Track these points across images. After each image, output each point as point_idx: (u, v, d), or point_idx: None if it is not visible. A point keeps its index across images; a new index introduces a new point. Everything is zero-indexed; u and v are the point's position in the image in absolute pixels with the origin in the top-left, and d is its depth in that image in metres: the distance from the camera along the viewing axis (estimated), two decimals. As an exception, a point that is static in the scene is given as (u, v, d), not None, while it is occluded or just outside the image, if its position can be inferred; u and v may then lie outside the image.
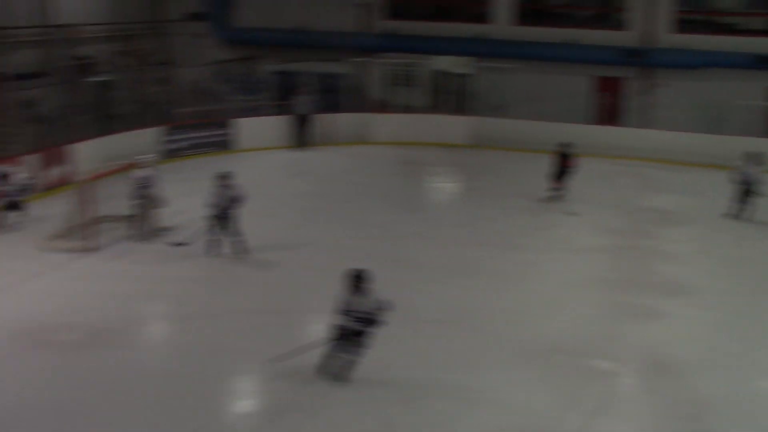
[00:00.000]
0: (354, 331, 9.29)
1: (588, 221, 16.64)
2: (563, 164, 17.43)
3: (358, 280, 9.27)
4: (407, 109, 24.03)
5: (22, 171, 15.58)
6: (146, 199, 14.38)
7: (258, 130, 22.09)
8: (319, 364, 9.66)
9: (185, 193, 16.92)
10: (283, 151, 22.02)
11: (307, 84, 22.43)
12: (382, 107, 24.09)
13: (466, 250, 14.62)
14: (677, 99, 22.33)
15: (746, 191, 16.52)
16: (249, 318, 11.66)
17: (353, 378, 9.58)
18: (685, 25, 23.08)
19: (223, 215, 13.39)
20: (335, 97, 23.28)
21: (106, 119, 19.66)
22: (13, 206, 15.02)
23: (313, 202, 17.64)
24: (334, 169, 20.81)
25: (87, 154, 17.88)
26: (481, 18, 24.68)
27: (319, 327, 9.86)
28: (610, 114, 23.43)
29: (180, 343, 11.10)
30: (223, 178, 13.46)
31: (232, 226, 13.50)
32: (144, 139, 19.50)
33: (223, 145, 21.62)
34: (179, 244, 13.77)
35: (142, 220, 14.43)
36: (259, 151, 21.70)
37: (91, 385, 9.57)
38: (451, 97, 23.97)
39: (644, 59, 23.00)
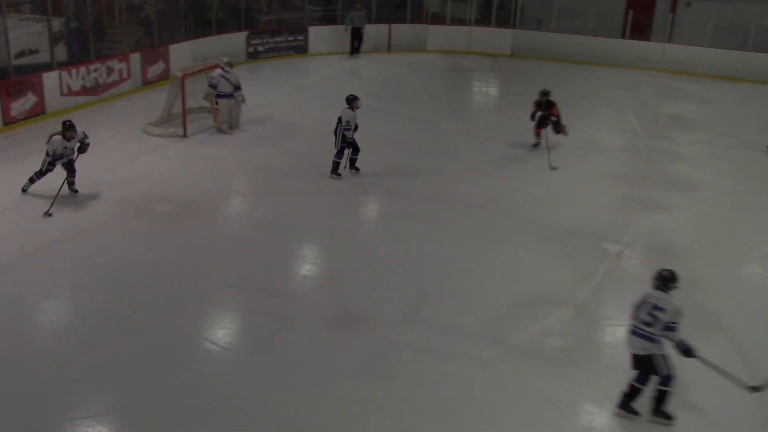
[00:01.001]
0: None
1: (610, 124, 16.26)
2: (546, 112, 13.83)
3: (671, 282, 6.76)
4: (458, 21, 23.36)
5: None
6: (229, 94, 14.24)
7: (324, 37, 21.71)
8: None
9: (265, 90, 17.10)
10: (344, 57, 21.60)
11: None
12: (436, 20, 23.49)
13: (500, 145, 14.45)
14: (705, 17, 21.09)
15: None
16: (309, 198, 11.77)
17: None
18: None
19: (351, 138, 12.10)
20: (394, 10, 22.67)
21: (200, 24, 19.55)
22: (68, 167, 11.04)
23: (371, 101, 17.41)
24: (391, 73, 20.46)
25: (182, 54, 17.87)
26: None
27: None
28: (640, 29, 22.43)
29: (252, 216, 11.40)
30: (353, 101, 11.98)
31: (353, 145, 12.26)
32: (231, 42, 19.44)
33: (297, 50, 21.38)
34: (338, 175, 12.27)
35: (226, 113, 14.40)
36: (325, 56, 21.41)
37: (184, 247, 9.89)
38: (497, 12, 23.24)
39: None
